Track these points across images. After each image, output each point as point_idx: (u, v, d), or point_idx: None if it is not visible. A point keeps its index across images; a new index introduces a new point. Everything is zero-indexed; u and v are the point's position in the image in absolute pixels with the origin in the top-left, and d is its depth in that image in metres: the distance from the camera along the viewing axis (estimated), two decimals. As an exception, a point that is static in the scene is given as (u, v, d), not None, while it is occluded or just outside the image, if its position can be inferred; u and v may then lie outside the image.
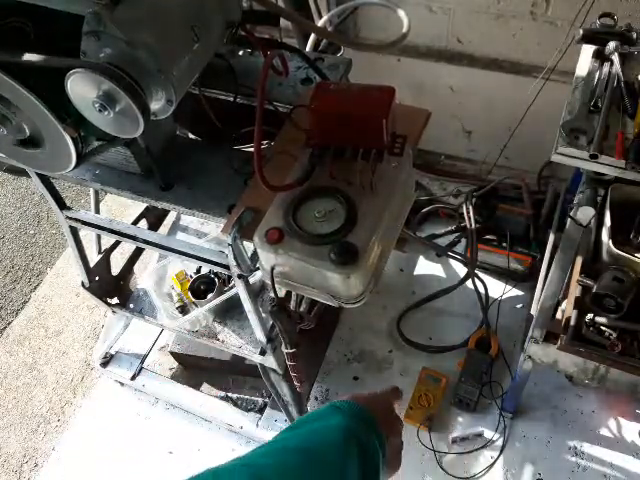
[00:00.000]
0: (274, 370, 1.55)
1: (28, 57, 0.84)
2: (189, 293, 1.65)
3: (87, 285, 1.68)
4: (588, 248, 1.34)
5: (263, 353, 1.49)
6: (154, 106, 0.88)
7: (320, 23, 1.58)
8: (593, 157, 0.98)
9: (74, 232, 1.51)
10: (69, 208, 1.41)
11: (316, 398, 1.94)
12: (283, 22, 1.12)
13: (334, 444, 0.61)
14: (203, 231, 1.84)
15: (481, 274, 2.03)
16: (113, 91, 0.80)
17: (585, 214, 1.08)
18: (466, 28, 1.84)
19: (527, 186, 1.98)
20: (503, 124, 1.98)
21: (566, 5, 1.60)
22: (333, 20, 1.65)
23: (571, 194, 1.80)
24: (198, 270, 1.70)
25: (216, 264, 1.24)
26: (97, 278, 1.71)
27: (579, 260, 1.33)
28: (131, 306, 1.72)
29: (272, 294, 0.90)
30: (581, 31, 1.14)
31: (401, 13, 1.36)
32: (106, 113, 0.82)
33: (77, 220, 1.41)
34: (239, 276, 1.19)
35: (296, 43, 1.75)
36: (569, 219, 1.12)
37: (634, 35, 1.13)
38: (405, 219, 1.02)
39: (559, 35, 1.64)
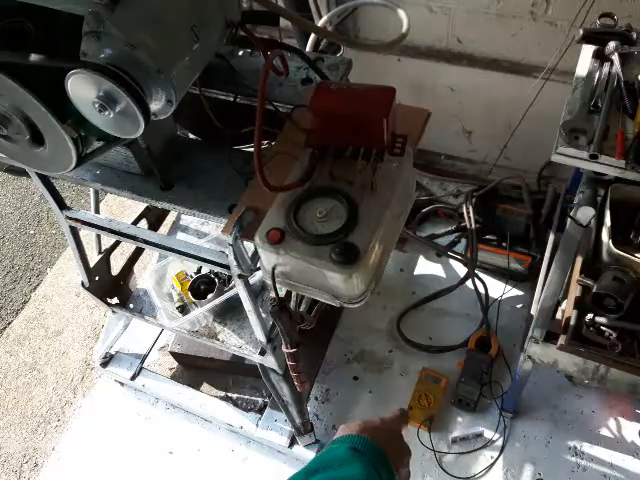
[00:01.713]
0: (274, 370, 1.55)
1: (28, 57, 0.84)
2: (189, 293, 1.65)
3: (87, 285, 1.68)
4: (588, 248, 1.34)
5: (263, 353, 1.49)
6: (154, 106, 0.88)
7: (320, 23, 1.58)
8: (593, 157, 0.99)
9: (74, 232, 1.51)
10: (69, 208, 1.41)
11: (316, 398, 1.94)
12: (283, 22, 1.12)
13: None
14: (203, 231, 1.84)
15: (481, 274, 2.03)
16: (113, 91, 0.80)
17: (585, 214, 1.08)
18: (466, 28, 1.84)
19: (527, 186, 1.98)
20: (503, 124, 1.98)
21: (566, 5, 1.60)
22: (333, 20, 1.65)
23: (571, 194, 1.80)
24: (198, 270, 1.70)
25: (216, 264, 1.24)
26: (97, 278, 1.71)
27: (579, 260, 1.33)
28: (131, 306, 1.72)
29: (273, 294, 0.90)
30: (581, 31, 1.14)
31: (401, 13, 1.36)
32: (106, 113, 0.82)
33: (77, 220, 1.41)
34: (239, 276, 1.19)
35: (296, 43, 1.75)
36: (569, 219, 1.12)
37: (634, 35, 1.13)
38: (406, 219, 1.02)
39: (559, 35, 1.64)
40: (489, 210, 2.01)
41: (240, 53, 1.27)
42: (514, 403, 1.79)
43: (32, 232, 2.69)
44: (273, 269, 0.87)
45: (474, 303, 2.00)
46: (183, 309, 1.64)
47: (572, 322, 1.31)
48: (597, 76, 1.10)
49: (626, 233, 1.27)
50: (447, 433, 1.81)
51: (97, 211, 1.74)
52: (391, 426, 0.77)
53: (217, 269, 1.27)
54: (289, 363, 1.02)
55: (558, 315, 1.38)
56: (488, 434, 1.79)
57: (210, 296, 1.61)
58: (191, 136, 1.50)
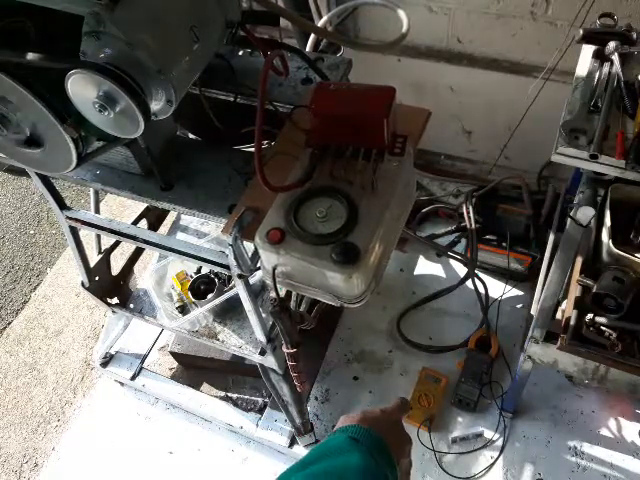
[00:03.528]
0: (274, 370, 1.55)
1: (28, 57, 0.84)
2: (189, 293, 1.65)
3: (87, 285, 1.68)
4: (588, 248, 1.34)
5: (263, 353, 1.49)
6: (154, 106, 0.88)
7: (320, 23, 1.58)
8: (593, 157, 0.99)
9: (74, 232, 1.51)
10: (69, 208, 1.41)
11: (316, 398, 1.94)
12: (283, 22, 1.12)
13: None
14: (203, 231, 1.84)
15: (481, 274, 2.03)
16: (113, 91, 0.80)
17: (585, 214, 1.08)
18: (466, 28, 1.84)
19: (527, 186, 1.98)
20: (503, 124, 1.98)
21: (566, 5, 1.60)
22: (333, 20, 1.65)
23: (571, 194, 1.80)
24: (198, 270, 1.70)
25: (216, 264, 1.24)
26: (97, 278, 1.71)
27: (579, 260, 1.33)
28: (131, 306, 1.72)
29: (273, 294, 0.90)
30: (581, 31, 1.14)
31: (401, 13, 1.36)
32: (106, 113, 0.82)
33: (77, 220, 1.41)
34: (239, 276, 1.19)
35: (296, 43, 1.75)
36: (569, 219, 1.12)
37: (634, 35, 1.13)
38: (406, 219, 1.02)
39: (559, 35, 1.64)
40: (489, 210, 2.01)
41: (240, 53, 1.27)
42: (514, 403, 1.79)
43: (32, 232, 2.69)
44: (273, 269, 0.87)
45: (474, 303, 2.00)
46: (183, 309, 1.64)
47: (572, 322, 1.31)
48: (597, 76, 1.10)
49: (626, 233, 1.27)
50: (447, 433, 1.81)
51: (97, 211, 1.73)
52: (391, 416, 0.76)
53: (217, 269, 1.27)
54: (289, 363, 1.02)
55: (558, 315, 1.38)
56: (488, 434, 1.79)
57: (210, 296, 1.61)
58: (191, 136, 1.50)
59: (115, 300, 1.75)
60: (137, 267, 1.92)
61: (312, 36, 1.51)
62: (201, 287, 1.67)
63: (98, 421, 2.02)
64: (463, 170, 2.37)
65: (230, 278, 1.65)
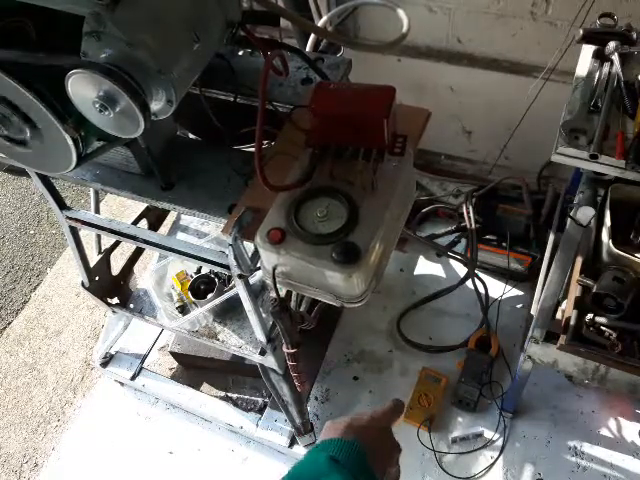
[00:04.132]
0: (274, 370, 1.55)
1: (28, 57, 0.84)
2: (189, 293, 1.65)
3: (87, 285, 1.68)
4: (588, 248, 1.34)
5: (263, 353, 1.49)
6: (154, 106, 0.88)
7: (320, 23, 1.58)
8: (593, 157, 0.99)
9: (74, 232, 1.51)
10: (69, 208, 1.41)
11: (316, 398, 1.94)
12: (283, 22, 1.12)
13: None
14: (203, 231, 1.84)
15: (481, 274, 2.03)
16: (113, 91, 0.80)
17: (585, 214, 1.08)
18: (466, 28, 1.84)
19: (527, 186, 1.98)
20: (503, 124, 1.98)
21: (566, 5, 1.60)
22: (333, 20, 1.65)
23: (571, 194, 1.80)
24: (198, 270, 1.70)
25: (216, 264, 1.24)
26: (97, 278, 1.71)
27: (579, 260, 1.33)
28: (131, 306, 1.72)
29: (273, 294, 0.90)
30: (581, 31, 1.14)
31: (401, 13, 1.36)
32: (106, 113, 0.82)
33: (77, 220, 1.41)
34: (239, 276, 1.19)
35: (296, 43, 1.75)
36: (569, 219, 1.12)
37: (634, 35, 1.13)
38: (406, 219, 1.02)
39: (559, 35, 1.64)
40: (489, 210, 2.01)
41: (240, 53, 1.27)
42: (514, 403, 1.79)
43: (32, 232, 2.69)
44: (274, 269, 0.87)
45: (474, 303, 2.00)
46: (183, 309, 1.64)
47: (572, 322, 1.31)
48: (597, 76, 1.11)
49: (626, 233, 1.27)
50: (447, 433, 1.81)
51: (97, 211, 1.74)
52: (380, 423, 0.73)
53: (217, 269, 1.27)
54: (289, 363, 1.02)
55: (558, 315, 1.38)
56: (488, 434, 1.79)
57: (210, 296, 1.61)
58: (191, 136, 1.50)
59: (115, 300, 1.75)
60: (137, 267, 1.92)
61: (312, 36, 1.51)
62: (201, 287, 1.67)
63: (98, 421, 2.02)
64: (463, 170, 2.37)
65: (230, 278, 1.65)
